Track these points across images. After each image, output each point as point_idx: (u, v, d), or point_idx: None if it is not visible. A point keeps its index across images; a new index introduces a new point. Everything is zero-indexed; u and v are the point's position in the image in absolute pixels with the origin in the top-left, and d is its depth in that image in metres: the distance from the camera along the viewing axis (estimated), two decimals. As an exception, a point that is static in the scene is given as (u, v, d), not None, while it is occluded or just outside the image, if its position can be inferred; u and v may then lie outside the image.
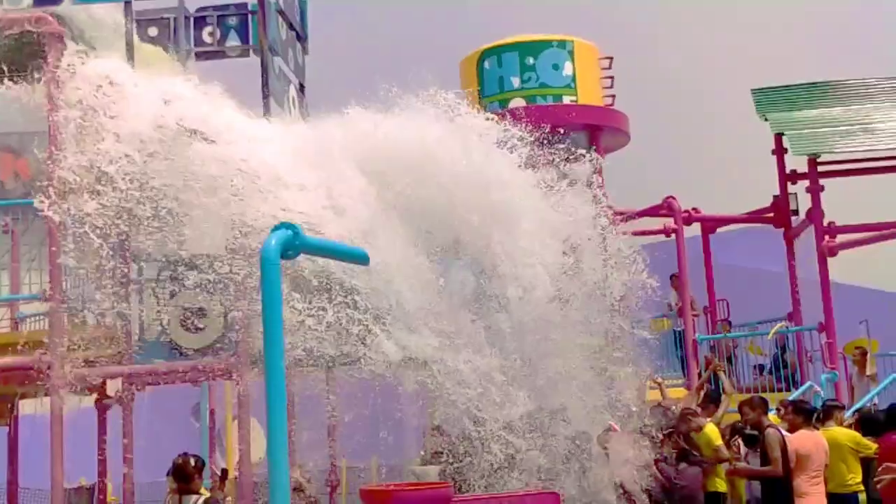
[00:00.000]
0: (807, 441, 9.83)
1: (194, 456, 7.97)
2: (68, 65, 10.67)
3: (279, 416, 5.86)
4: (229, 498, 8.06)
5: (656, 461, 10.11)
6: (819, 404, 11.47)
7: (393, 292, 10.06)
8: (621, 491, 9.93)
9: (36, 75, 10.87)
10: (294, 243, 5.89)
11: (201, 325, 10.90)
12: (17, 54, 11.51)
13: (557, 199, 11.42)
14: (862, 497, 10.00)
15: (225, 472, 8.72)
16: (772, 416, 10.57)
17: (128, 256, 10.79)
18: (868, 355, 14.93)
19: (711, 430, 10.42)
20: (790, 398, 13.43)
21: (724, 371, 11.26)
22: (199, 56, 13.27)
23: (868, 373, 14.56)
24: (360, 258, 6.60)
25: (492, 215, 10.74)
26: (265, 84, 12.01)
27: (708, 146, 28.30)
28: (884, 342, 17.00)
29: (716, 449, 10.24)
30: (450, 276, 10.70)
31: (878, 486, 9.42)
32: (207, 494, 7.79)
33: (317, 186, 10.50)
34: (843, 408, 11.23)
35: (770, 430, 9.82)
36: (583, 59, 18.54)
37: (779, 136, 17.53)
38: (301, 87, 13.87)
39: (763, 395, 12.44)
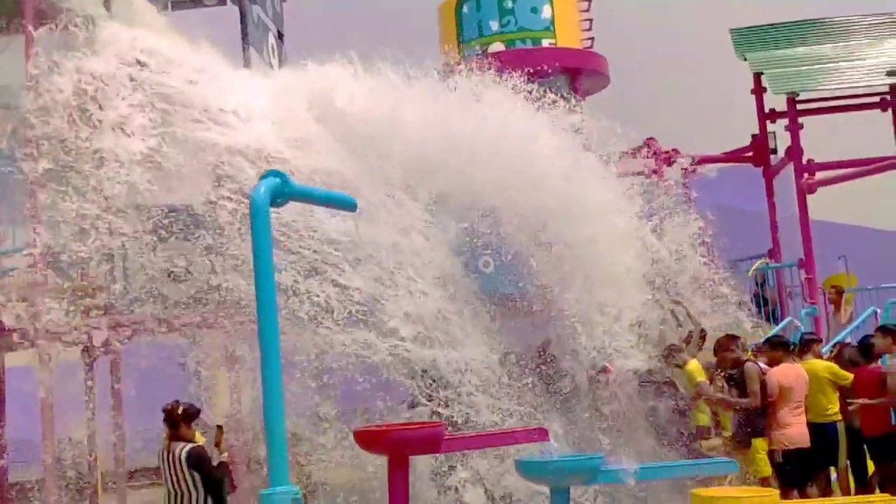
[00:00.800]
0: (789, 373, 10.07)
1: (187, 404, 7.96)
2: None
3: (273, 365, 5.95)
4: (225, 454, 8.06)
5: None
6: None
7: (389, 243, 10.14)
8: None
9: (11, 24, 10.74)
10: (283, 191, 5.94)
11: (186, 276, 10.92)
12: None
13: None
14: (840, 426, 10.27)
15: (221, 428, 8.70)
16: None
17: (110, 205, 10.74)
18: (844, 295, 15.14)
19: (694, 367, 10.59)
20: (768, 334, 13.68)
21: (683, 306, 11.37)
22: (175, 5, 13.13)
23: (843, 314, 14.77)
24: (348, 205, 6.66)
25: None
26: (244, 33, 11.93)
27: (687, 87, 28.31)
28: (861, 277, 17.24)
29: (697, 385, 10.42)
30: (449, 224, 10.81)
31: (850, 408, 9.92)
32: (195, 443, 7.79)
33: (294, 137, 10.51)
34: (820, 341, 11.47)
35: (749, 364, 10.03)
36: (561, 1, 18.42)
37: (758, 76, 17.60)
38: (280, 35, 13.77)
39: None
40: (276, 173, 6.05)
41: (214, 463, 7.75)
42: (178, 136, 10.16)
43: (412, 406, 10.12)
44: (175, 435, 7.67)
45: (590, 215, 10.87)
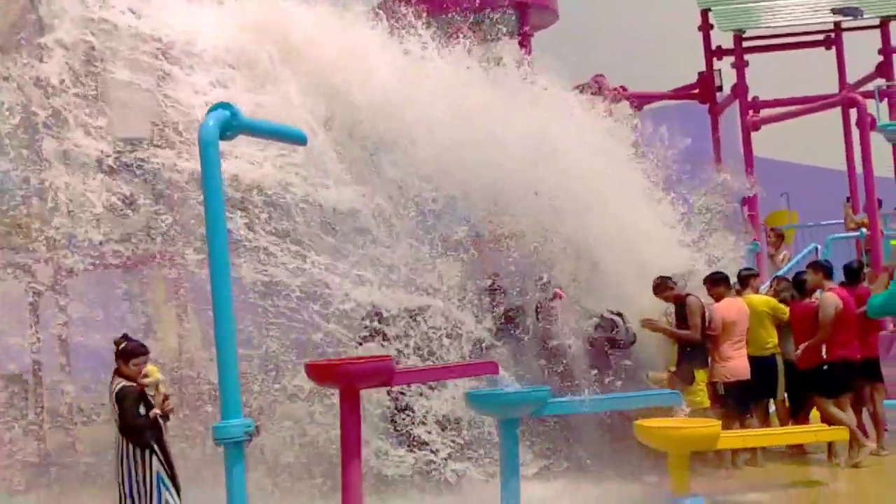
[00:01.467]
0: (731, 308, 10.28)
1: (133, 342, 7.46)
2: None
3: (224, 303, 5.93)
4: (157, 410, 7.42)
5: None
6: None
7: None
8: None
9: None
10: (232, 124, 5.87)
11: (130, 210, 10.79)
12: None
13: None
14: (778, 359, 10.51)
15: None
16: None
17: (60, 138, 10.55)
18: (783, 239, 15.41)
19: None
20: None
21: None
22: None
23: (779, 258, 15.04)
24: (298, 138, 6.61)
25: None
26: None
27: (635, 23, 28.29)
28: (803, 214, 17.56)
29: (645, 319, 10.52)
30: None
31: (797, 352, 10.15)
32: (129, 383, 7.33)
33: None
34: (758, 275, 11.66)
35: (690, 298, 10.19)
36: (511, -66, 18.24)
37: (705, 12, 17.64)
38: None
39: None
40: (225, 105, 5.97)
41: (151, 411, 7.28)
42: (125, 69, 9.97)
43: (361, 343, 10.16)
44: (117, 370, 7.45)
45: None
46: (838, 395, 9.98)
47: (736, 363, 10.13)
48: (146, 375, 7.38)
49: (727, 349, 10.14)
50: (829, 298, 10.05)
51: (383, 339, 9.63)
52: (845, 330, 9.97)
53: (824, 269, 10.47)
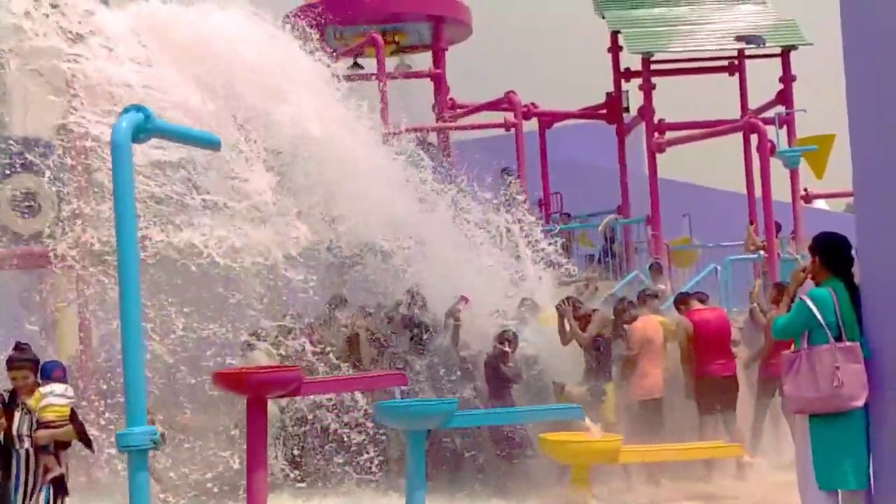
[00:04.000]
0: (649, 326, 10.49)
1: (18, 348, 6.92)
2: None
3: (132, 309, 5.78)
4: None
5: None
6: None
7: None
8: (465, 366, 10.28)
9: None
10: (145, 127, 5.75)
11: (32, 211, 10.54)
12: None
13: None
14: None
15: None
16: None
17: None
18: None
19: (549, 315, 10.90)
20: (615, 287, 14.21)
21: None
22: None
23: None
24: (212, 143, 6.53)
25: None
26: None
27: (547, 42, 28.71)
28: (704, 234, 17.99)
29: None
30: None
31: None
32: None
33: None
34: (657, 296, 11.94)
35: (596, 312, 10.47)
36: (428, -52, 18.35)
37: (615, 34, 17.99)
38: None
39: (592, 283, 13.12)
40: (138, 108, 5.85)
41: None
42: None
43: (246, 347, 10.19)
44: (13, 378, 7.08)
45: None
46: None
47: (653, 380, 10.30)
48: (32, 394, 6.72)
49: (645, 366, 10.29)
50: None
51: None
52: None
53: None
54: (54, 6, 9.99)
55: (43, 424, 6.68)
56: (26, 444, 6.64)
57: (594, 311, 10.48)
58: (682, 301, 10.96)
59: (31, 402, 6.67)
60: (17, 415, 6.66)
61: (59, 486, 6.72)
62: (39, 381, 6.83)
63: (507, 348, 10.04)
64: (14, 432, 6.63)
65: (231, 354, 10.02)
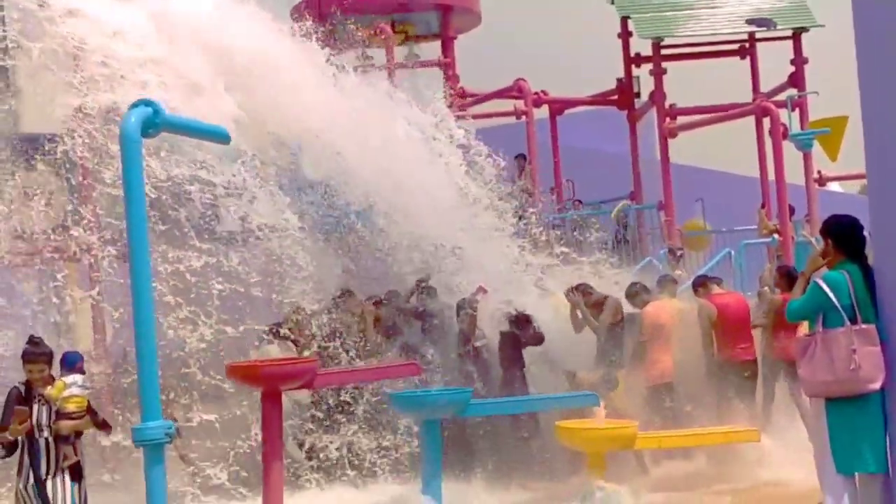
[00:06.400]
0: (661, 312, 10.37)
1: (32, 342, 6.90)
2: None
3: (145, 303, 5.83)
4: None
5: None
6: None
7: None
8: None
9: None
10: (154, 121, 5.78)
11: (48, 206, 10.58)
12: None
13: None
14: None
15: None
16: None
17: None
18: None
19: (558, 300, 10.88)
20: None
21: None
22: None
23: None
24: (222, 137, 6.54)
25: None
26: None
27: (556, 29, 28.61)
28: (717, 219, 17.91)
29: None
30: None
31: None
32: (18, 384, 7.00)
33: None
34: (675, 281, 11.89)
35: (610, 298, 10.40)
36: (435, -63, 18.31)
37: (624, 20, 17.90)
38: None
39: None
40: (147, 102, 5.88)
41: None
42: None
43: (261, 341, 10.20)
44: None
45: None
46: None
47: (664, 366, 10.20)
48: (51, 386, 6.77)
49: (656, 351, 10.18)
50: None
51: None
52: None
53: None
54: None
55: (65, 415, 6.77)
56: (45, 434, 6.75)
57: (606, 297, 10.43)
58: (701, 284, 10.88)
59: (50, 392, 6.77)
60: (35, 407, 6.76)
61: (77, 473, 6.84)
62: (52, 373, 6.91)
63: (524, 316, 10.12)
64: (34, 423, 6.72)
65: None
